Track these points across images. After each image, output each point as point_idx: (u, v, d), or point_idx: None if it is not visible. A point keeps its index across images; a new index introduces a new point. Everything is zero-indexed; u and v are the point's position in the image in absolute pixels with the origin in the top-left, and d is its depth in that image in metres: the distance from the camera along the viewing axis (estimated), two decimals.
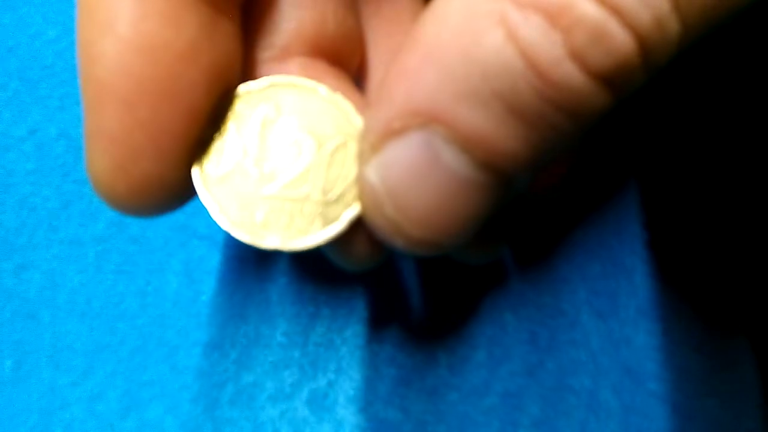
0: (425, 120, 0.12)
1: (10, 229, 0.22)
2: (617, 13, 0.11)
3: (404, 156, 0.13)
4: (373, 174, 0.13)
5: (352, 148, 0.14)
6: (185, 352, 0.20)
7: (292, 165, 0.14)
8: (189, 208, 0.21)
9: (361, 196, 0.14)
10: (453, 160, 0.13)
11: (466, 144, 0.12)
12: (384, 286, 0.21)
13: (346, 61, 0.16)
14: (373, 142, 0.13)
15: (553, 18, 0.11)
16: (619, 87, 0.12)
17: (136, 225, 0.22)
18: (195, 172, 0.14)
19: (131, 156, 0.13)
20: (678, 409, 0.19)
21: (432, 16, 0.12)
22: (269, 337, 0.20)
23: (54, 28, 0.25)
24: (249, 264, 0.21)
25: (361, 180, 0.14)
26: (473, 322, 0.20)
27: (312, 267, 0.21)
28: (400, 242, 0.13)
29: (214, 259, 0.21)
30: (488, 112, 0.12)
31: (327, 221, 0.14)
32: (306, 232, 0.14)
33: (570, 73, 0.11)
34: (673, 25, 0.11)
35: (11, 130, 0.23)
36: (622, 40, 0.11)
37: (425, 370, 0.20)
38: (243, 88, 0.15)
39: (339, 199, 0.14)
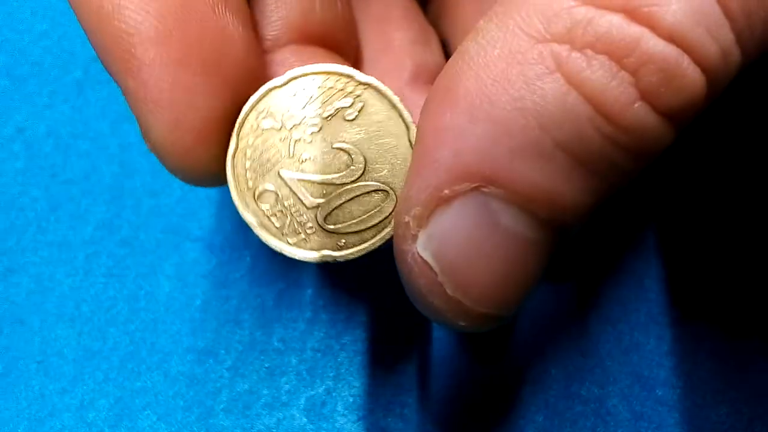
0: (479, 182, 0.11)
1: None
2: (687, 48, 0.11)
3: (459, 226, 0.11)
4: (424, 251, 0.12)
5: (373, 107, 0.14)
6: (178, 359, 0.20)
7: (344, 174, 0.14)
8: (181, 209, 0.21)
9: (411, 279, 0.12)
10: (514, 223, 0.11)
11: (528, 204, 0.11)
12: (384, 289, 0.20)
13: (340, 46, 0.16)
14: (420, 214, 0.12)
15: (620, 58, 0.11)
16: (683, 122, 0.11)
17: (127, 227, 0.21)
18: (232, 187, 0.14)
19: (187, 97, 0.12)
20: (688, 417, 0.18)
21: (467, 64, 0.11)
22: (265, 343, 0.20)
23: (42, 23, 0.24)
24: (244, 267, 0.20)
25: (408, 260, 0.12)
26: None
27: (309, 270, 0.20)
28: (462, 323, 0.12)
29: (207, 263, 0.21)
30: (552, 166, 0.11)
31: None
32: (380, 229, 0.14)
33: (642, 115, 0.11)
34: (735, 56, 0.11)
35: None
36: (693, 77, 0.11)
37: (427, 378, 0.19)
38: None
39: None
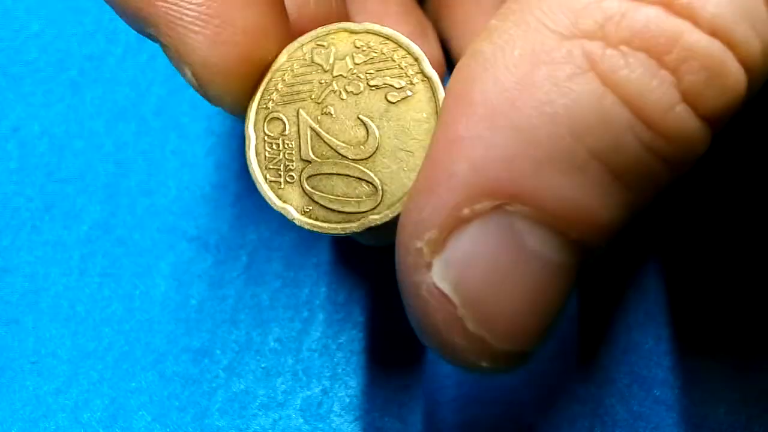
0: (502, 199, 0.10)
1: None
2: (731, 44, 0.10)
3: (481, 250, 0.10)
4: (442, 281, 0.10)
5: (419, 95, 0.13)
6: (174, 359, 0.20)
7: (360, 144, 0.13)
8: (177, 209, 0.21)
9: (426, 315, 0.11)
10: (542, 245, 0.10)
11: (558, 222, 0.10)
12: (381, 289, 0.20)
13: None
14: (434, 239, 0.10)
15: (660, 54, 0.09)
16: (720, 126, 0.10)
17: (122, 226, 0.21)
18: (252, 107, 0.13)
19: (229, 6, 0.12)
20: (686, 417, 0.18)
21: (482, 67, 0.10)
22: (261, 343, 0.20)
23: (38, 22, 0.24)
24: (240, 267, 0.20)
25: (422, 294, 0.10)
26: None
27: (305, 270, 0.20)
28: (484, 364, 0.11)
29: (203, 262, 0.20)
30: (585, 179, 0.10)
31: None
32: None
33: (684, 120, 0.10)
34: None
35: None
36: (736, 76, 0.10)
37: (424, 377, 0.19)
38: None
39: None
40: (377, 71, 0.13)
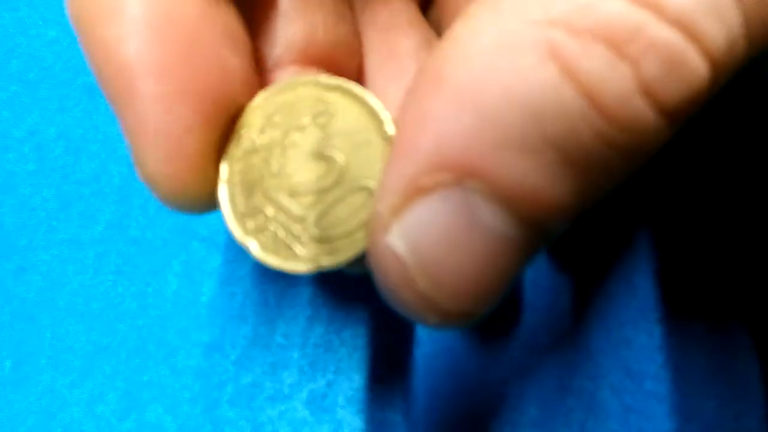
0: (460, 175, 0.10)
1: (10, 231, 0.22)
2: (694, 36, 0.10)
3: (436, 218, 0.11)
4: (398, 242, 0.11)
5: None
6: (185, 353, 0.20)
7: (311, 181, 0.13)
8: None
9: (381, 272, 0.11)
10: (493, 220, 0.11)
11: (509, 200, 0.10)
12: None
13: (342, 67, 0.16)
14: (395, 204, 0.11)
15: (620, 46, 0.10)
16: (681, 119, 0.10)
17: (136, 226, 0.22)
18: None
19: (184, 130, 0.12)
20: (677, 410, 0.19)
21: (456, 47, 0.11)
22: (268, 338, 0.20)
23: (53, 29, 0.24)
24: (248, 266, 0.21)
25: (380, 251, 0.11)
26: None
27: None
28: (433, 319, 0.11)
29: (214, 261, 0.21)
30: (538, 163, 0.10)
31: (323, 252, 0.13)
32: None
33: (640, 112, 0.10)
34: (741, 46, 0.10)
35: (11, 132, 0.23)
36: (698, 70, 0.10)
37: (425, 372, 0.20)
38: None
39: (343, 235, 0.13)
40: (297, 115, 0.13)
